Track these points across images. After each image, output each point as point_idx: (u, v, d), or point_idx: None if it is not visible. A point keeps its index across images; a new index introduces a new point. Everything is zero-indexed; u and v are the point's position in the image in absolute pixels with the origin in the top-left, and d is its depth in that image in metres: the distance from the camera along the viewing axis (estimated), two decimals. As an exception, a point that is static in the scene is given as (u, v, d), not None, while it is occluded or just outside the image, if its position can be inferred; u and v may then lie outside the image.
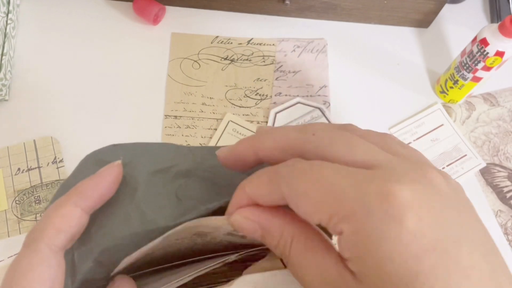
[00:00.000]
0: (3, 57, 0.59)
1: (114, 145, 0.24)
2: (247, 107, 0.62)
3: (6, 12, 0.62)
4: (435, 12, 0.67)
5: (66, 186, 0.22)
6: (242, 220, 0.19)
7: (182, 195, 0.22)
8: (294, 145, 0.19)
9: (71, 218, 0.20)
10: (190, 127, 0.60)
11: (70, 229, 0.20)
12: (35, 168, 0.56)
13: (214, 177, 0.23)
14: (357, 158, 0.18)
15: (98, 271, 0.21)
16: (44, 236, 0.19)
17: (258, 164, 0.21)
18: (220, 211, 0.21)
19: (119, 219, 0.21)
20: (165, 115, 0.60)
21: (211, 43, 0.66)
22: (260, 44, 0.66)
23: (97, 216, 0.21)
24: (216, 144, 0.59)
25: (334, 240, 0.19)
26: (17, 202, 0.54)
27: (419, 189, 0.17)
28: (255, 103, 0.62)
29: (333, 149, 0.18)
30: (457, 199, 0.18)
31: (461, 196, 0.19)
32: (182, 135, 0.59)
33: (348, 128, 0.20)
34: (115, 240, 0.20)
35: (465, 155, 0.61)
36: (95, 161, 0.23)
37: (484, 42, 0.54)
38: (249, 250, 0.24)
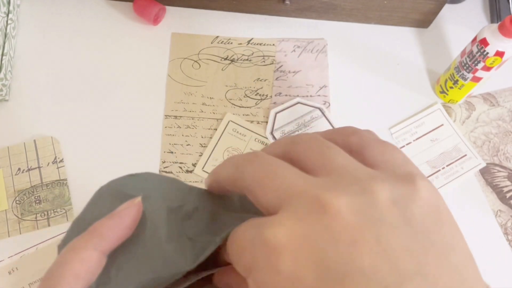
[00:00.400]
0: (4, 57, 0.59)
1: (131, 176, 0.23)
2: (247, 107, 0.62)
3: (7, 12, 0.62)
4: (435, 12, 0.67)
5: (81, 221, 0.22)
6: (218, 284, 0.22)
7: (192, 234, 0.21)
8: (234, 182, 0.20)
9: (90, 263, 0.19)
10: (190, 127, 0.60)
11: (89, 274, 0.19)
12: (35, 168, 0.56)
13: (217, 210, 0.23)
14: (268, 202, 0.17)
15: None
16: (63, 285, 0.19)
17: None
18: None
19: (141, 261, 0.20)
20: (165, 115, 0.60)
21: (211, 43, 0.66)
22: (260, 44, 0.66)
23: (116, 255, 0.20)
24: (216, 144, 0.59)
25: None
26: (17, 202, 0.54)
27: (301, 229, 0.16)
28: (255, 103, 0.62)
29: (253, 192, 0.18)
30: (368, 227, 0.15)
31: (384, 221, 0.16)
32: (182, 135, 0.59)
33: (296, 143, 0.20)
34: (138, 284, 0.19)
35: (465, 155, 0.61)
36: (112, 194, 0.22)
37: (484, 42, 0.54)
38: None
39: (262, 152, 0.20)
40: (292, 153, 0.19)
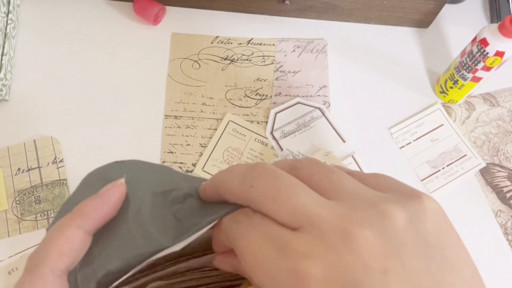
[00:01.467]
0: (3, 57, 0.59)
1: (117, 162, 0.23)
2: (247, 107, 0.62)
3: (6, 12, 0.62)
4: (435, 12, 0.67)
5: (68, 205, 0.22)
6: (219, 264, 0.22)
7: (182, 216, 0.22)
8: (237, 196, 0.20)
9: (74, 241, 0.20)
10: (190, 127, 0.60)
11: (74, 252, 0.20)
12: (35, 168, 0.56)
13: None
14: (283, 218, 0.18)
15: None
16: (47, 261, 0.19)
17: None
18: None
19: (123, 240, 0.20)
20: (165, 115, 0.60)
21: (211, 43, 0.66)
22: (260, 44, 0.66)
23: (100, 235, 0.21)
24: (216, 144, 0.59)
25: None
26: (17, 202, 0.54)
27: (332, 261, 0.16)
28: (255, 103, 0.62)
29: (264, 206, 0.18)
30: (393, 253, 0.16)
31: (406, 245, 0.16)
32: (182, 135, 0.59)
33: (298, 168, 0.20)
34: (120, 261, 0.20)
35: (465, 155, 0.61)
36: (98, 179, 0.23)
37: (484, 42, 0.54)
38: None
39: (270, 165, 0.20)
40: (298, 176, 0.19)
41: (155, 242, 0.20)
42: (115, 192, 0.21)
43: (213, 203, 0.22)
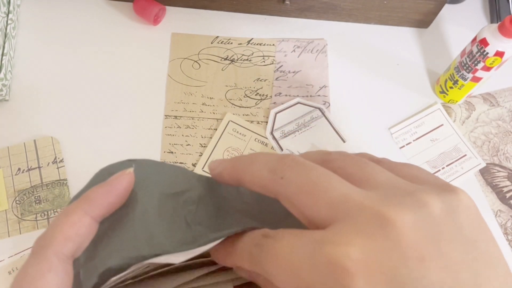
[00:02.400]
0: (4, 57, 0.59)
1: (130, 160, 0.23)
2: (247, 107, 0.62)
3: (7, 12, 0.62)
4: (435, 13, 0.67)
5: (78, 198, 0.22)
6: (240, 273, 0.21)
7: (191, 221, 0.21)
8: (266, 188, 0.19)
9: (80, 226, 0.20)
10: (190, 127, 0.60)
11: (79, 237, 0.20)
12: (36, 168, 0.56)
13: (224, 205, 0.23)
14: (319, 212, 0.17)
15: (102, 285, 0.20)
16: (53, 244, 0.19)
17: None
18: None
19: (127, 239, 0.20)
20: (165, 115, 0.60)
21: (211, 43, 0.66)
22: (260, 44, 0.66)
23: (105, 230, 0.21)
24: (216, 144, 0.59)
25: None
26: (17, 202, 0.54)
27: (370, 248, 0.15)
28: (255, 103, 0.62)
29: (299, 199, 0.18)
30: (431, 241, 0.16)
31: (442, 233, 0.16)
32: (182, 135, 0.59)
33: (330, 160, 0.19)
34: (121, 260, 0.20)
35: (465, 155, 0.61)
36: (109, 175, 0.22)
37: (483, 42, 0.54)
38: None
39: (299, 157, 0.19)
40: (330, 168, 0.19)
41: (157, 245, 0.20)
42: (123, 180, 0.21)
43: (226, 211, 0.21)
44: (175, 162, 0.58)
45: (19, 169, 0.55)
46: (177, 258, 0.19)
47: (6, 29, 0.61)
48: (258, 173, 0.19)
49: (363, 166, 0.19)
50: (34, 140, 0.57)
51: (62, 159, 0.56)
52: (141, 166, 0.23)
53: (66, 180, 0.55)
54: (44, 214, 0.53)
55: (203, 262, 0.23)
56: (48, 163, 0.56)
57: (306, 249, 0.16)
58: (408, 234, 0.16)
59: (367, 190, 0.17)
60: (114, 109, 0.60)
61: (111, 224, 0.21)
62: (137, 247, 0.20)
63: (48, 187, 0.55)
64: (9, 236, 0.52)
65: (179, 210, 0.22)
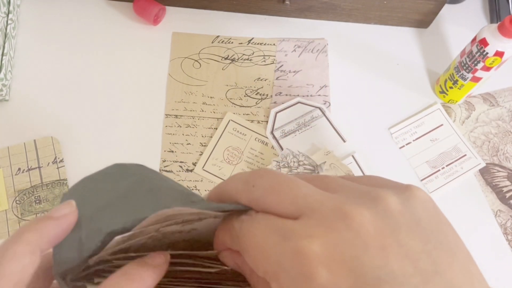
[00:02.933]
0: (4, 57, 0.59)
1: (117, 165, 0.24)
2: (248, 107, 0.62)
3: (7, 12, 0.62)
4: (435, 13, 0.67)
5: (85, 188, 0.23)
6: (224, 259, 0.22)
7: (196, 200, 0.22)
8: (240, 198, 0.20)
9: (27, 261, 0.19)
10: (190, 126, 0.60)
11: (24, 274, 0.19)
12: (36, 168, 0.56)
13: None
14: (285, 209, 0.18)
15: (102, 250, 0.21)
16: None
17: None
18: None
19: (132, 204, 0.21)
20: (166, 114, 0.60)
21: (212, 42, 0.66)
22: (260, 43, 0.66)
23: (111, 199, 0.21)
24: (216, 143, 0.59)
25: None
26: (17, 202, 0.54)
27: (332, 239, 0.16)
28: (256, 103, 0.62)
29: (266, 201, 0.19)
30: (391, 232, 0.17)
31: (401, 224, 0.17)
32: (183, 134, 0.59)
33: (296, 176, 0.21)
34: (125, 223, 0.20)
35: (465, 155, 0.61)
36: (92, 182, 0.23)
37: (483, 42, 0.54)
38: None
39: (271, 169, 0.20)
40: None
41: (165, 206, 0.20)
42: (70, 216, 0.21)
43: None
44: (175, 161, 0.58)
45: (19, 169, 0.55)
46: (181, 209, 0.20)
47: (6, 29, 0.61)
48: (234, 186, 0.21)
49: (323, 178, 0.21)
50: (34, 140, 0.57)
51: (62, 159, 0.56)
52: (132, 167, 0.24)
53: (66, 180, 0.55)
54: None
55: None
56: (48, 163, 0.56)
57: (276, 236, 0.18)
58: (368, 226, 0.17)
59: (329, 193, 0.19)
60: (114, 109, 0.60)
61: (115, 197, 0.22)
62: (141, 211, 0.20)
63: (48, 187, 0.55)
64: (9, 236, 0.52)
65: (182, 195, 0.23)
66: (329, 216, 0.17)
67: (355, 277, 0.16)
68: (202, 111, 0.61)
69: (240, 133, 0.60)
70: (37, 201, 0.54)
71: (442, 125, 0.63)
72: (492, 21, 0.71)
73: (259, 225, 0.19)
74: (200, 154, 0.58)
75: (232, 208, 0.21)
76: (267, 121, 0.61)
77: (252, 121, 0.61)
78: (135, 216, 0.20)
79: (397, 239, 0.16)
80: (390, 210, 0.17)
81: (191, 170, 0.57)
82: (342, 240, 0.16)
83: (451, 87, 0.62)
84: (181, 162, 0.58)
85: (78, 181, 0.24)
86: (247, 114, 0.61)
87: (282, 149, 0.59)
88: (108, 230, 0.20)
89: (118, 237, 0.20)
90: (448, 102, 0.65)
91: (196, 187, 0.57)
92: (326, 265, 0.16)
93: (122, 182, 0.23)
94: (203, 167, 0.57)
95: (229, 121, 0.60)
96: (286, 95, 0.63)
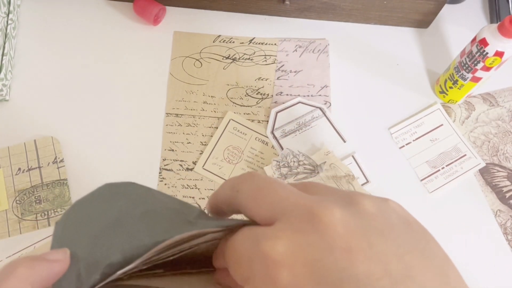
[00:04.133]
0: (4, 57, 0.59)
1: (108, 184, 0.24)
2: (248, 106, 0.62)
3: (7, 12, 0.62)
4: (435, 13, 0.67)
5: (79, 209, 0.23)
6: (220, 279, 0.23)
7: (193, 220, 0.22)
8: (229, 203, 0.21)
9: None
10: (191, 125, 0.60)
11: None
12: (36, 168, 0.56)
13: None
14: (262, 215, 0.19)
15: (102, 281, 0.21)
16: None
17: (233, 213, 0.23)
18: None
19: (128, 233, 0.21)
20: (166, 113, 0.60)
21: (213, 42, 0.66)
22: (262, 43, 0.66)
23: (104, 228, 0.21)
24: (216, 142, 0.59)
25: None
26: (17, 202, 0.54)
27: (297, 241, 0.16)
28: (256, 102, 0.62)
29: (248, 207, 0.19)
30: (361, 235, 0.17)
31: (374, 227, 0.17)
32: (183, 133, 0.59)
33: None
34: (123, 253, 0.20)
35: (465, 155, 0.62)
36: (89, 202, 0.23)
37: (483, 42, 0.54)
38: None
39: (258, 172, 0.21)
40: None
41: (159, 235, 0.20)
42: (63, 262, 0.21)
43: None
44: (176, 160, 0.58)
45: (19, 169, 0.55)
46: (181, 236, 0.20)
47: (6, 29, 0.61)
48: (223, 193, 0.22)
49: (306, 184, 0.21)
50: (34, 140, 0.57)
51: (62, 159, 0.56)
52: (123, 186, 0.24)
53: (66, 180, 0.55)
54: (45, 214, 0.53)
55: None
56: (48, 163, 0.56)
57: (250, 242, 0.18)
58: (336, 227, 0.17)
59: (306, 194, 0.19)
60: (115, 108, 0.60)
61: (111, 225, 0.21)
62: (139, 239, 0.20)
63: (49, 187, 0.55)
64: (9, 236, 0.52)
65: (182, 216, 0.22)
66: (297, 218, 0.17)
67: (317, 279, 0.16)
68: (203, 110, 0.61)
69: (241, 132, 0.60)
70: (37, 201, 0.54)
71: (442, 125, 0.63)
72: (492, 21, 0.71)
73: (239, 235, 0.19)
74: (200, 153, 0.58)
75: (231, 224, 0.21)
76: (267, 121, 0.61)
77: (252, 120, 0.61)
78: (132, 244, 0.20)
79: (368, 240, 0.16)
80: (365, 212, 0.17)
81: (191, 169, 0.57)
82: (306, 242, 0.16)
83: (451, 87, 0.62)
84: (181, 161, 0.58)
85: (69, 207, 0.23)
86: (248, 114, 0.61)
87: (282, 148, 0.59)
88: (106, 262, 0.20)
89: (119, 272, 0.20)
90: (448, 102, 0.65)
91: (196, 186, 0.57)
92: (289, 266, 0.16)
93: (115, 205, 0.22)
94: (203, 166, 0.57)
95: (230, 120, 0.60)
96: (287, 95, 0.63)
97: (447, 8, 0.71)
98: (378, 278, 0.15)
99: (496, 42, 0.53)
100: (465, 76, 0.59)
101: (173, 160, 0.58)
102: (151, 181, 0.56)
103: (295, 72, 0.65)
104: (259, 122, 0.61)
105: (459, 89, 0.61)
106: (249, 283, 0.17)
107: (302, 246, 0.16)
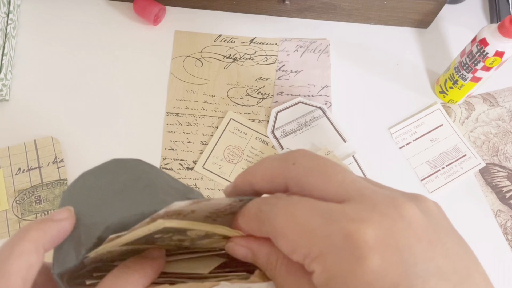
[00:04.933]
0: (4, 57, 0.59)
1: (115, 160, 0.24)
2: (249, 106, 0.62)
3: (7, 12, 0.61)
4: (435, 13, 0.67)
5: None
6: (236, 247, 0.22)
7: (194, 197, 0.23)
8: (277, 175, 0.20)
9: (33, 258, 0.19)
10: (191, 125, 0.60)
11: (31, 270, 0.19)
12: (36, 168, 0.55)
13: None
14: (330, 190, 0.18)
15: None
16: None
17: (259, 194, 0.22)
18: None
19: (129, 199, 0.21)
20: (167, 112, 0.60)
21: (214, 41, 0.66)
22: (262, 43, 0.66)
23: (106, 196, 0.22)
24: (217, 142, 0.59)
25: None
26: (17, 202, 0.54)
27: (386, 226, 0.17)
28: (257, 102, 0.62)
29: (310, 180, 0.19)
30: (434, 230, 0.17)
31: (440, 225, 0.18)
32: (184, 132, 0.59)
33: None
34: (120, 218, 0.20)
35: (465, 155, 0.62)
36: (93, 177, 0.24)
37: (483, 42, 0.54)
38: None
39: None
40: None
41: (162, 202, 0.21)
42: (70, 219, 0.21)
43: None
44: (176, 159, 0.58)
45: (19, 169, 0.55)
46: (179, 203, 0.19)
47: (6, 29, 0.60)
48: (269, 166, 0.21)
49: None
50: (34, 140, 0.57)
51: (62, 159, 0.56)
52: (130, 162, 0.24)
53: (66, 180, 0.55)
54: (45, 214, 0.53)
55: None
56: (48, 163, 0.56)
57: (321, 217, 0.17)
58: (418, 220, 0.17)
59: (373, 185, 0.19)
60: (115, 108, 0.60)
61: (113, 193, 0.22)
62: (138, 207, 0.21)
63: (49, 187, 0.54)
64: (9, 236, 0.52)
65: (179, 193, 0.23)
66: (382, 203, 0.17)
67: (406, 266, 0.16)
68: (203, 109, 0.61)
69: (241, 132, 0.60)
70: (37, 201, 0.54)
71: (442, 125, 0.63)
72: (492, 21, 0.72)
73: (298, 206, 0.18)
74: (200, 153, 0.58)
75: (234, 200, 0.20)
76: (268, 121, 0.61)
77: (253, 120, 0.61)
78: (131, 211, 0.20)
79: (439, 237, 0.17)
80: (431, 210, 0.18)
81: (192, 168, 0.57)
82: (396, 228, 0.17)
83: (451, 87, 0.62)
84: (181, 160, 0.58)
85: (77, 176, 0.24)
86: (248, 113, 0.61)
87: (282, 148, 0.59)
88: (104, 225, 0.20)
89: (112, 236, 0.20)
90: (448, 102, 0.65)
91: (196, 185, 0.57)
92: (379, 251, 0.16)
93: (120, 178, 0.23)
94: (203, 166, 0.57)
95: (230, 120, 0.60)
96: (288, 94, 0.63)
97: (447, 8, 0.71)
98: (452, 273, 0.16)
99: (496, 42, 0.53)
100: (465, 76, 0.59)
101: (173, 159, 0.58)
102: (151, 181, 0.56)
103: (295, 72, 0.65)
104: (259, 121, 0.61)
105: (459, 89, 0.61)
106: (324, 260, 0.17)
107: (393, 232, 0.16)
